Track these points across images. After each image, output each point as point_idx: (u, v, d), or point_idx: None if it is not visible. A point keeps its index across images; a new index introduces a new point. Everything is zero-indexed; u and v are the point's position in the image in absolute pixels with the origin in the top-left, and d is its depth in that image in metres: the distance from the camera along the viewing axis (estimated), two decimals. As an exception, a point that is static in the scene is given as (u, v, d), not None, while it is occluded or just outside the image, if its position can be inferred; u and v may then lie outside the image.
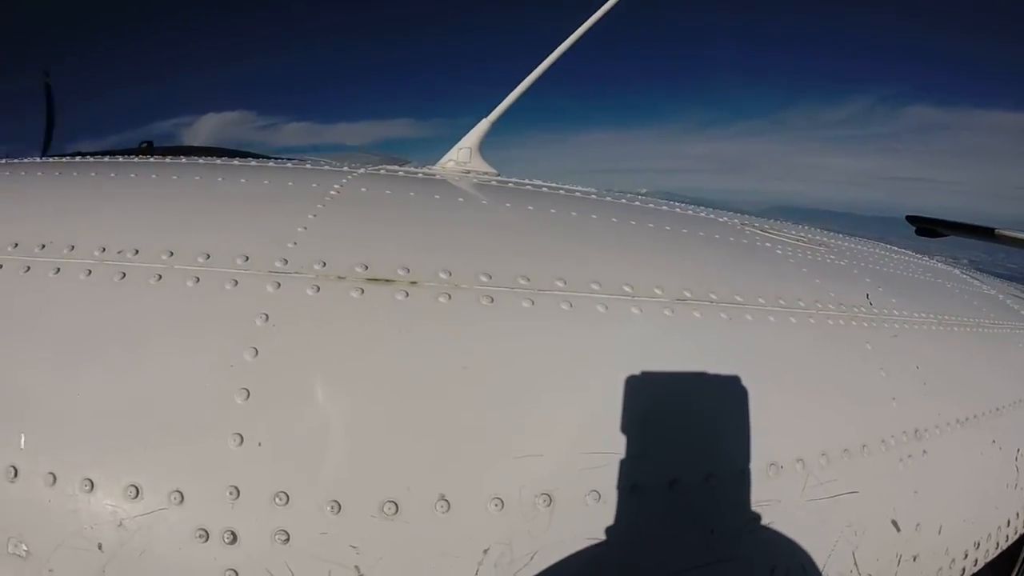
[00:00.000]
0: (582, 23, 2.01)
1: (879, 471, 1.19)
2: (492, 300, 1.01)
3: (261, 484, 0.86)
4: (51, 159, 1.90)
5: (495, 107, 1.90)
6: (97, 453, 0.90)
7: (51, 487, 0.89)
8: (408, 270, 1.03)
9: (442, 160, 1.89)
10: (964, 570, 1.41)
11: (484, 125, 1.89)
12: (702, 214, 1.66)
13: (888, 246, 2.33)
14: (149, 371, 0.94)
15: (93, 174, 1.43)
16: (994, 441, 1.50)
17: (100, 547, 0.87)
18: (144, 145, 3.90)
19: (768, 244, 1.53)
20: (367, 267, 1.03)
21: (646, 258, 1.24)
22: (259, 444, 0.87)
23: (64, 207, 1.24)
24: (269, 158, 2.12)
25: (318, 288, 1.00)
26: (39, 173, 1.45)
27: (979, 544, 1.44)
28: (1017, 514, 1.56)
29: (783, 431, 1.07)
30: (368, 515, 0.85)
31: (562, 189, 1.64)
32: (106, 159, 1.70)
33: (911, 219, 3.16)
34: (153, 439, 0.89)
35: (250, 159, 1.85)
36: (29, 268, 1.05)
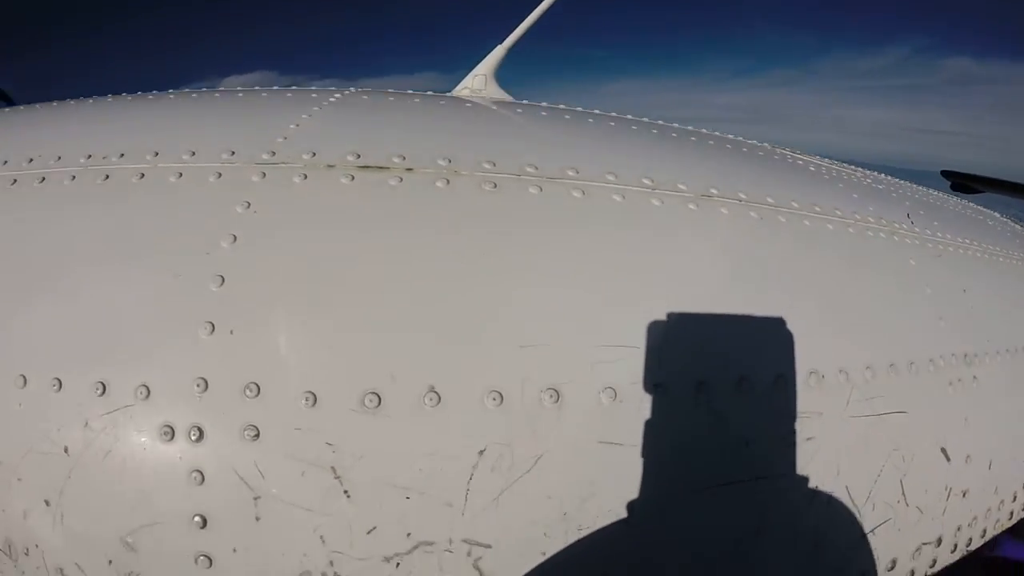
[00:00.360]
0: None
1: (928, 392, 1.07)
2: (495, 186, 0.91)
3: (231, 375, 0.77)
4: None
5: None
6: (67, 350, 0.84)
7: (21, 389, 0.84)
8: (404, 157, 0.94)
9: (456, 89, 1.78)
10: (1012, 513, 1.30)
11: (499, 51, 1.78)
12: (730, 137, 1.54)
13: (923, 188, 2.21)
14: (121, 264, 0.88)
15: (107, 102, 1.41)
16: None
17: (66, 450, 0.82)
18: None
19: (800, 162, 1.41)
20: (359, 156, 0.94)
21: (668, 157, 1.13)
22: (231, 332, 0.78)
23: (63, 128, 1.23)
24: None
25: (305, 176, 0.92)
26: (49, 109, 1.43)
27: None
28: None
29: (823, 339, 0.95)
30: (347, 408, 0.74)
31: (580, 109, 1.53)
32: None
33: (946, 174, 3.00)
34: (123, 332, 0.83)
35: None
36: (16, 181, 1.02)
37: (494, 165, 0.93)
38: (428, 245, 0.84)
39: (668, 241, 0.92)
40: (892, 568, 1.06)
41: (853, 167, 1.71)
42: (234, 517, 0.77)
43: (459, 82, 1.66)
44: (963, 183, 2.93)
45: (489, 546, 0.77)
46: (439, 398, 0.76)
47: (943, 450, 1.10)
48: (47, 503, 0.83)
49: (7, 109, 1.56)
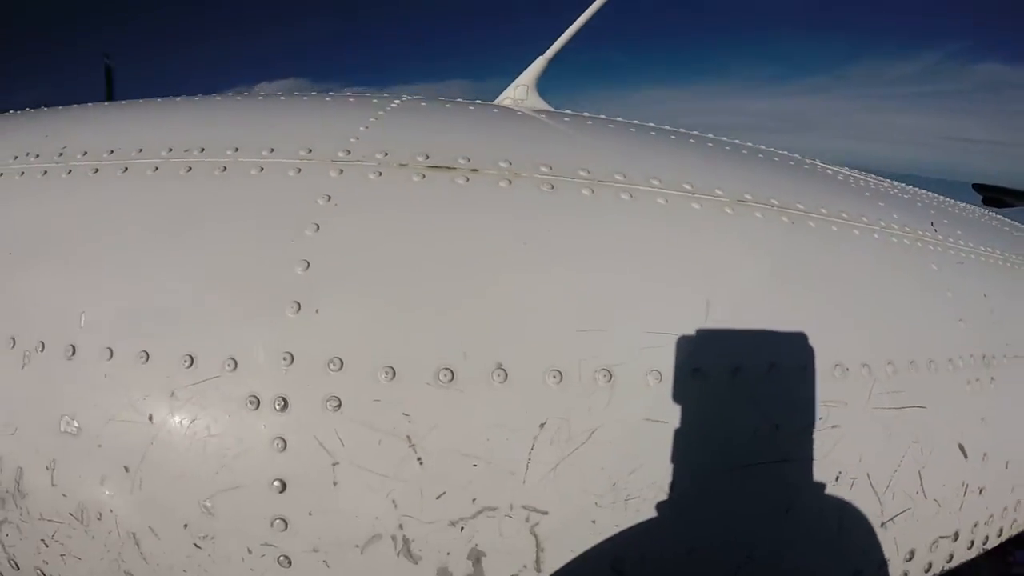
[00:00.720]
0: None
1: (946, 390, 1.14)
2: (552, 187, 1.00)
3: (315, 351, 0.86)
4: None
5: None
6: (156, 325, 0.92)
7: (107, 361, 0.91)
8: (469, 159, 1.03)
9: (499, 98, 1.88)
10: None
11: (540, 63, 1.87)
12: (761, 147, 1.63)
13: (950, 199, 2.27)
14: (211, 246, 0.96)
15: (175, 103, 1.50)
16: None
17: (150, 418, 0.89)
18: None
19: (830, 172, 1.49)
20: (428, 156, 1.04)
21: (706, 165, 1.22)
22: (316, 311, 0.87)
23: (139, 124, 1.32)
24: None
25: (380, 173, 1.01)
26: (119, 107, 1.55)
27: None
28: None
29: (848, 333, 1.03)
30: (423, 382, 0.83)
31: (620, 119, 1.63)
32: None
33: (978, 187, 3.04)
34: (212, 310, 0.91)
35: None
36: (97, 170, 1.11)
37: (551, 169, 1.02)
38: (493, 238, 0.93)
39: (707, 241, 1.01)
40: (911, 559, 1.12)
41: (880, 178, 1.78)
42: (312, 482, 0.85)
43: (488, 90, 1.76)
44: (995, 196, 2.97)
45: (546, 512, 0.85)
46: (506, 375, 0.84)
47: (960, 446, 1.16)
48: (126, 469, 0.90)
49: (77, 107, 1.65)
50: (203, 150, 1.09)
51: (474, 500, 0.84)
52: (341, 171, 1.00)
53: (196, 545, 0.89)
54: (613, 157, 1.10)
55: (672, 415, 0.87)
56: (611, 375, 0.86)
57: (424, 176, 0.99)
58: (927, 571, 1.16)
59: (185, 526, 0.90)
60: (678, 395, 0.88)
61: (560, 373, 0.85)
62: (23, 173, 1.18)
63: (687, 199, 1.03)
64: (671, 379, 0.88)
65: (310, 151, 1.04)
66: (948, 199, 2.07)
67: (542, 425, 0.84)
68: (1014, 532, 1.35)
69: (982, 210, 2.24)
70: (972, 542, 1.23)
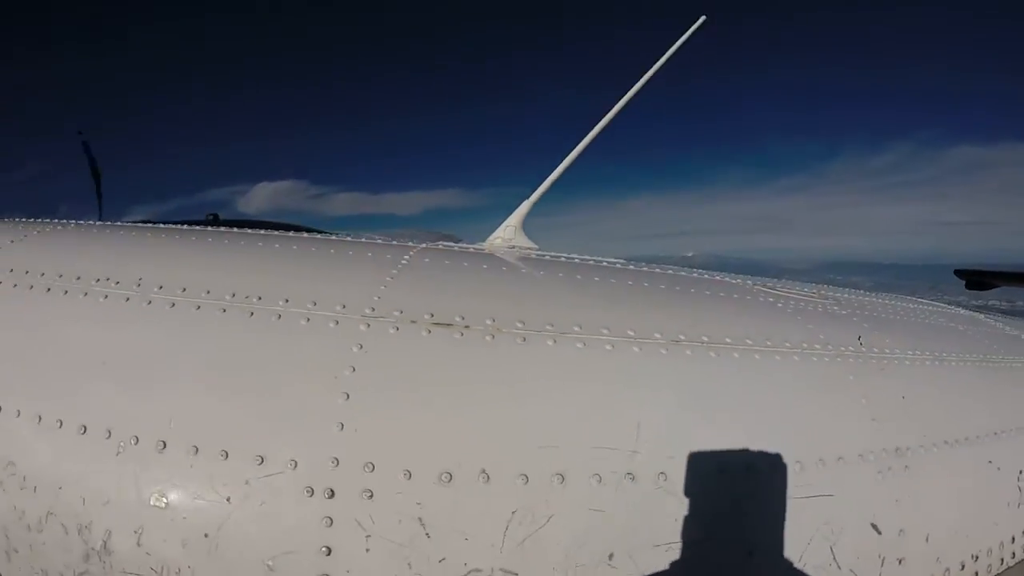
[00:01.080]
0: (624, 93, 2.34)
1: (856, 480, 1.39)
2: (524, 339, 1.33)
3: (355, 457, 1.19)
4: (140, 224, 2.35)
5: (542, 176, 2.27)
6: (234, 432, 1.24)
7: (194, 455, 1.23)
8: (463, 317, 1.36)
9: (490, 238, 2.25)
10: None
11: (526, 206, 2.25)
12: (717, 277, 1.92)
13: (913, 298, 2.45)
14: (275, 376, 1.30)
15: (224, 240, 1.81)
16: (990, 462, 1.64)
17: (228, 500, 1.20)
18: (210, 217, 4.32)
19: (771, 300, 1.76)
20: (432, 315, 1.37)
21: (650, 309, 1.52)
22: (355, 430, 1.21)
23: (202, 262, 1.65)
24: (332, 233, 2.54)
25: (397, 328, 1.34)
26: (176, 236, 1.84)
27: (977, 557, 1.57)
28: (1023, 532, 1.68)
29: (759, 441, 1.31)
30: (430, 481, 1.18)
31: (591, 260, 1.93)
32: (199, 228, 2.00)
33: (960, 273, 3.12)
34: (277, 424, 1.24)
35: (329, 234, 2.32)
36: (174, 305, 1.43)
37: (523, 324, 1.35)
38: (482, 380, 1.27)
39: (643, 377, 1.33)
40: None
41: (833, 294, 2.05)
42: (351, 548, 1.17)
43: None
44: (977, 280, 3.07)
45: (516, 574, 1.17)
46: (488, 477, 1.18)
47: (873, 525, 1.40)
48: (206, 535, 1.19)
49: (136, 230, 1.93)
50: (260, 299, 1.41)
51: (465, 564, 1.17)
52: (368, 325, 1.33)
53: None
54: (573, 310, 1.41)
55: (611, 505, 1.19)
56: (564, 477, 1.19)
57: (430, 331, 1.32)
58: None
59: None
60: (614, 493, 1.20)
61: (526, 476, 1.18)
62: (107, 296, 1.48)
63: (629, 343, 1.35)
64: (609, 481, 1.20)
65: (344, 307, 1.37)
66: (909, 300, 2.28)
67: (513, 512, 1.17)
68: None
69: (941, 307, 2.42)
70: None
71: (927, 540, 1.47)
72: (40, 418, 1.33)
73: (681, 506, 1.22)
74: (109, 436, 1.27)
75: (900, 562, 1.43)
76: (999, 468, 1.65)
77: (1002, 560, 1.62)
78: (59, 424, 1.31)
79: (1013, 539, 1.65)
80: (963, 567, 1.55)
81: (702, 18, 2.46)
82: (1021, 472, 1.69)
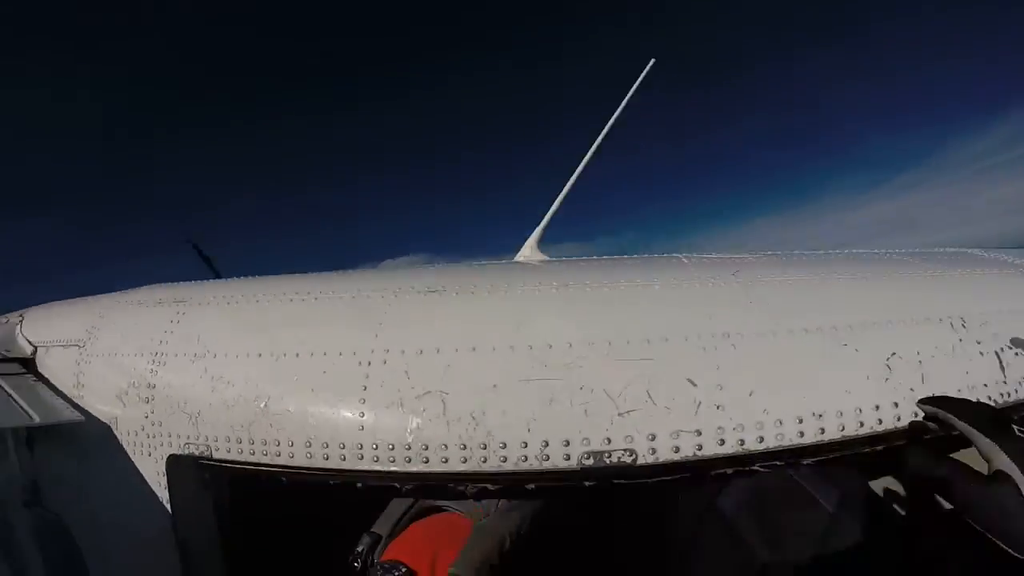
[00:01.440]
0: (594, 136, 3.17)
1: (676, 351, 1.72)
2: None
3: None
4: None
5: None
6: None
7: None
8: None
9: (517, 256, 3.14)
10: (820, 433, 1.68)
11: (539, 230, 3.45)
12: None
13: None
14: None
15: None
16: (846, 344, 1.82)
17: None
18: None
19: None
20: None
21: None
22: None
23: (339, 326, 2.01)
24: None
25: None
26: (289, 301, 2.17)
27: (822, 415, 1.68)
28: (877, 406, 1.75)
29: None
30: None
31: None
32: None
33: None
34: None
35: None
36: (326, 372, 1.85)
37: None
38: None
39: None
40: (653, 439, 1.62)
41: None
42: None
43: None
44: None
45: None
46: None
47: (689, 379, 1.67)
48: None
49: (227, 281, 2.44)
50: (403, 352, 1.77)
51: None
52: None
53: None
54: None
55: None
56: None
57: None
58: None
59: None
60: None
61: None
62: (260, 355, 1.86)
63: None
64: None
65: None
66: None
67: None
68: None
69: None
70: (723, 440, 1.63)
71: (751, 395, 1.70)
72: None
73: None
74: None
75: (718, 408, 1.70)
76: (857, 350, 1.82)
77: (861, 424, 1.71)
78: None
79: (877, 407, 1.74)
80: (801, 421, 1.68)
81: (653, 60, 3.23)
82: (892, 354, 1.81)
